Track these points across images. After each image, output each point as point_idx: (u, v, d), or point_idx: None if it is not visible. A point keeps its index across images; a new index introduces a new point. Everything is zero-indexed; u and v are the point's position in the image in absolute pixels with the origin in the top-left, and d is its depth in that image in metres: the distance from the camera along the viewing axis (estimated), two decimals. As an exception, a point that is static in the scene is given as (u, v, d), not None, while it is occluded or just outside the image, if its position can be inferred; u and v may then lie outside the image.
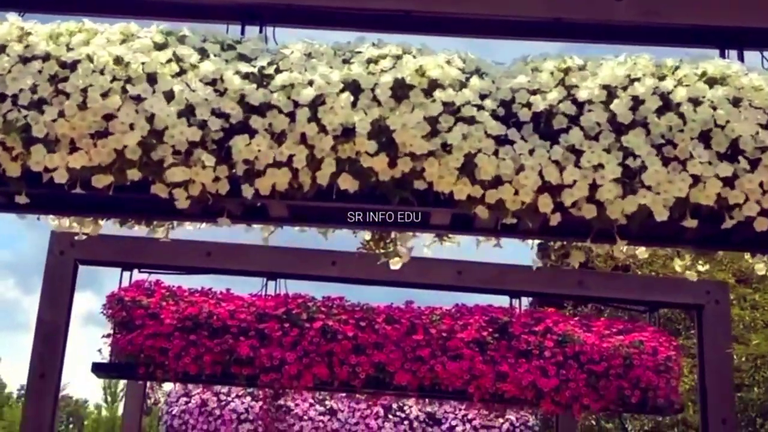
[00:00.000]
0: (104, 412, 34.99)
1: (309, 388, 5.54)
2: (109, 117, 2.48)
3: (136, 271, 5.84)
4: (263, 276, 5.99)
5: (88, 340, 9.35)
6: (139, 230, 2.97)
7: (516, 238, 2.97)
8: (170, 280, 5.87)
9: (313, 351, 5.45)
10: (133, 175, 2.51)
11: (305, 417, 8.82)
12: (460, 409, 9.06)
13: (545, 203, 2.52)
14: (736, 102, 2.54)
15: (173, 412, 8.67)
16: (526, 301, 6.56)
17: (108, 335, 5.44)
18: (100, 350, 5.39)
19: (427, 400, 8.91)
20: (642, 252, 3.17)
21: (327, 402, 9.03)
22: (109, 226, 3.09)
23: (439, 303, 6.06)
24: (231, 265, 5.97)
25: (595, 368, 5.56)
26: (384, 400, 9.12)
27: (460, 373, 5.51)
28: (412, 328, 5.68)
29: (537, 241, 3.60)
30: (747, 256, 3.33)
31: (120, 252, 5.73)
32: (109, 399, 37.08)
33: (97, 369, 5.36)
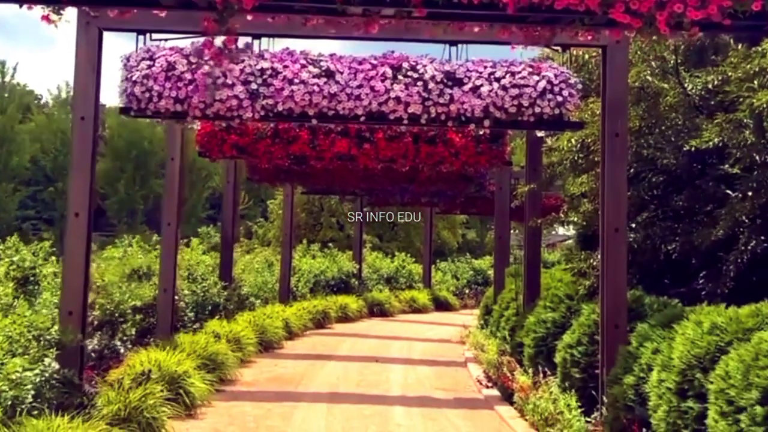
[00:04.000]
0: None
1: (266, 7, 3.79)
2: None
3: None
4: None
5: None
6: None
7: None
8: None
9: (269, -49, 3.66)
10: None
11: (296, 80, 7.23)
12: (485, 66, 7.39)
13: None
14: None
15: (134, 78, 7.11)
16: None
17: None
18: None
19: (444, 56, 7.25)
20: None
21: (323, 62, 7.39)
22: None
23: None
24: None
25: (691, -35, 3.75)
26: (391, 59, 7.45)
27: (489, -22, 3.75)
28: None
29: None
30: None
31: None
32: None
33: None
